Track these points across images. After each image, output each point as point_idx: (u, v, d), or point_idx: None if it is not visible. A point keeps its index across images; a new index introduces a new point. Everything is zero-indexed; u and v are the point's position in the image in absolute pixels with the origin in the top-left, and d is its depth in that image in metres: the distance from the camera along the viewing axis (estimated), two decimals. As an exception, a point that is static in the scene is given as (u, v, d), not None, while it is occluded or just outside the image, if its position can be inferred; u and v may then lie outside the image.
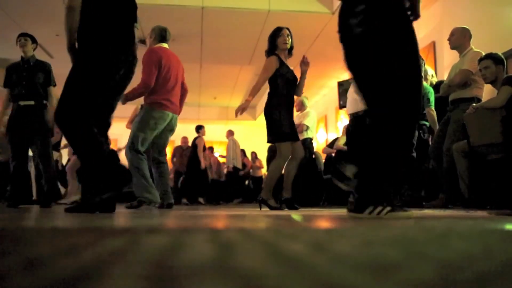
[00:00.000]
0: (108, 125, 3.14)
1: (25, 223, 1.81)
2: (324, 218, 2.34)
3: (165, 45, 4.59)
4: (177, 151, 10.96)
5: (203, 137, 9.72)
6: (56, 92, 4.37)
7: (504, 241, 1.05)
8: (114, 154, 6.78)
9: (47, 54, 9.62)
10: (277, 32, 4.43)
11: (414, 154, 4.77)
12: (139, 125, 4.37)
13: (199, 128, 9.77)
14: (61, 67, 11.94)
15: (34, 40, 5.03)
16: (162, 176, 4.62)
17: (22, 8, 7.48)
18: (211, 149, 12.27)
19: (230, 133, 11.50)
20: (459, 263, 0.64)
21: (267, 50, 4.45)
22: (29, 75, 4.82)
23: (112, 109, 3.13)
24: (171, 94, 4.52)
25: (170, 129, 4.62)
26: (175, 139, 10.37)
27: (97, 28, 2.89)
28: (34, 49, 5.02)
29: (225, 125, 16.69)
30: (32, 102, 4.77)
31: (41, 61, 5.02)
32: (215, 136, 16.47)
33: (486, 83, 4.36)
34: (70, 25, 2.86)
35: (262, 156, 11.13)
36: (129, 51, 3.03)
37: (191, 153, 9.66)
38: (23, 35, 4.98)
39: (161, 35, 4.61)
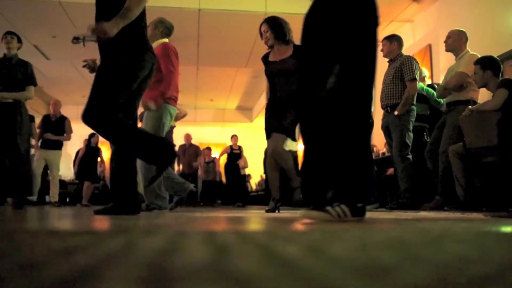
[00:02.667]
0: (135, 122, 3.20)
1: (21, 225, 1.80)
2: (320, 221, 2.33)
3: (167, 41, 4.54)
4: (181, 150, 10.99)
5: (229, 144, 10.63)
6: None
7: (499, 244, 1.05)
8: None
9: (43, 55, 9.61)
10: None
11: (410, 157, 4.78)
12: (157, 121, 4.20)
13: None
14: (57, 68, 11.89)
15: (19, 40, 5.01)
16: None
17: (19, 10, 7.46)
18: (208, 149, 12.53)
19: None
20: (454, 266, 0.64)
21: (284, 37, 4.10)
22: (8, 73, 4.80)
23: (136, 108, 3.19)
24: (178, 90, 4.50)
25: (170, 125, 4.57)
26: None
27: (127, 28, 2.92)
28: (18, 49, 4.99)
29: (222, 127, 16.69)
30: (9, 100, 4.75)
31: (23, 61, 4.98)
32: (211, 138, 16.46)
33: (478, 87, 4.40)
34: (136, 11, 2.85)
35: (259, 158, 11.11)
36: (151, 49, 3.11)
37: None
38: (10, 33, 4.99)
39: (169, 30, 4.58)
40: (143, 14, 3.07)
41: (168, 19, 4.79)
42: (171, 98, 4.33)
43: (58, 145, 7.62)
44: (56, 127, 7.62)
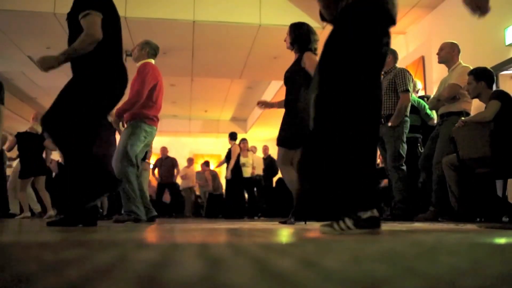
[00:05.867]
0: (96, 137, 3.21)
1: (12, 238, 1.78)
2: (314, 232, 2.33)
3: (153, 61, 4.65)
4: (158, 162, 11.32)
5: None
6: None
7: (493, 255, 1.06)
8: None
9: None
10: (311, 29, 4.07)
11: (404, 168, 4.80)
12: (131, 137, 4.35)
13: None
14: (51, 79, 11.89)
15: None
16: (140, 189, 4.54)
17: (14, 21, 7.47)
18: (206, 163, 12.40)
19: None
20: (447, 278, 0.64)
21: (302, 45, 3.98)
22: None
23: (100, 125, 3.22)
24: (158, 110, 4.62)
25: (148, 143, 4.65)
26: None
27: (99, 47, 2.95)
28: None
29: (216, 138, 16.68)
30: None
31: None
32: (205, 149, 16.43)
33: (471, 98, 4.44)
34: (82, 51, 2.96)
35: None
36: (124, 69, 3.15)
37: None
38: None
39: (155, 51, 4.70)
40: (114, 29, 3.11)
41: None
42: (148, 117, 4.44)
43: None
44: None
